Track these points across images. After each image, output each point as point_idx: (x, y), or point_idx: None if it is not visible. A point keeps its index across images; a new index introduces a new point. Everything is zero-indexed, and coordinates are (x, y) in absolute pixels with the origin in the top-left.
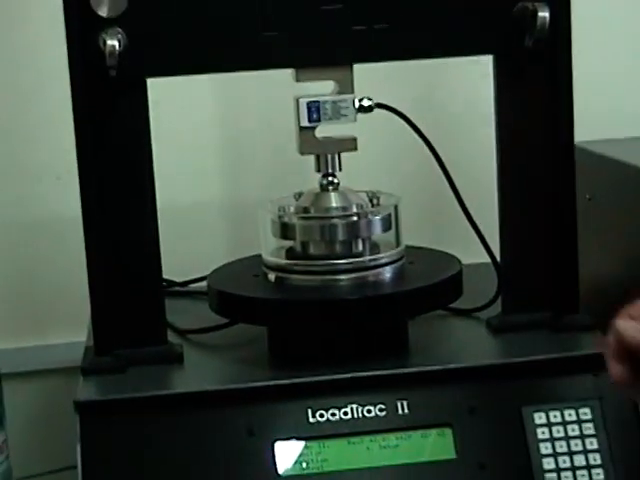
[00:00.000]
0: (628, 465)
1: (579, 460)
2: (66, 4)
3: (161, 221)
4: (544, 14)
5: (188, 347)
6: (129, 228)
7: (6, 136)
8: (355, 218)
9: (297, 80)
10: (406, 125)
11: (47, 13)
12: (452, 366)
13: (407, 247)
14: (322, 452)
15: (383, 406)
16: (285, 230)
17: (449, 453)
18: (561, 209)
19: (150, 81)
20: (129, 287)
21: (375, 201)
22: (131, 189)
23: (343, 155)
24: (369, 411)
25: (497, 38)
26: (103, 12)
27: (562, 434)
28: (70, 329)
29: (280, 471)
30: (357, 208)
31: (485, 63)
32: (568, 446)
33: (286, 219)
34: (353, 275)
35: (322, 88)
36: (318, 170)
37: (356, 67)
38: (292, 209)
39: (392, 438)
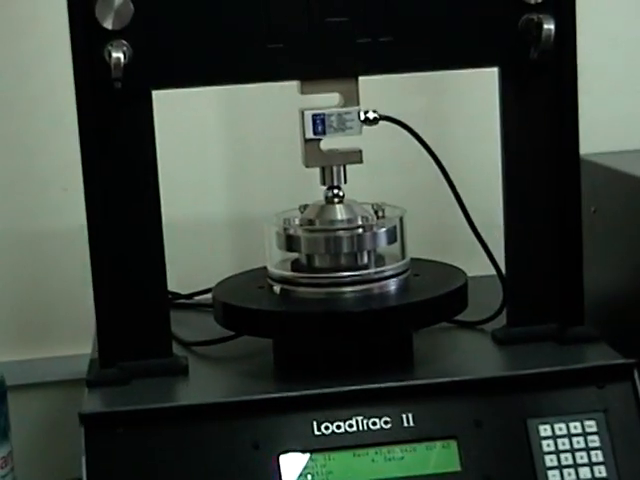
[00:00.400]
0: (633, 478)
1: (584, 472)
2: (72, 16)
3: (166, 233)
4: (549, 26)
5: (193, 359)
6: (134, 240)
7: (13, 147)
8: (360, 230)
9: (302, 92)
10: (411, 137)
11: (53, 25)
12: (457, 378)
13: (412, 259)
14: (327, 464)
15: (388, 418)
16: (290, 242)
17: (454, 465)
18: (566, 221)
19: (155, 93)
20: (134, 299)
21: (380, 213)
22: (136, 201)
23: (348, 167)
24: (374, 423)
25: (502, 50)
26: (108, 24)
27: (567, 446)
28: (75, 341)
29: None
30: (362, 220)
31: (491, 76)
32: (573, 458)
33: (291, 231)
34: (358, 287)
35: (327, 100)
36: (323, 182)
37: (361, 79)
38: (297, 221)
39: (397, 450)
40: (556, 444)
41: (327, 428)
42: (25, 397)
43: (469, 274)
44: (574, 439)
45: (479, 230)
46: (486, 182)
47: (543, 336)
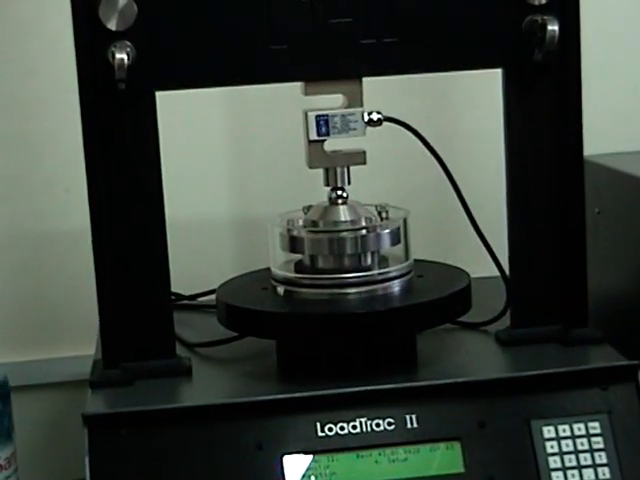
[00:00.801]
0: (637, 479)
1: (588, 474)
2: (75, 17)
3: (170, 234)
4: (553, 28)
5: (196, 360)
6: (138, 241)
7: (15, 149)
8: (364, 232)
9: (306, 94)
10: (415, 138)
11: (56, 26)
12: (461, 380)
13: (416, 261)
14: (331, 466)
15: (392, 420)
16: (294, 244)
17: (458, 467)
18: (570, 222)
19: (159, 94)
20: (138, 300)
21: (384, 215)
22: (140, 202)
23: (352, 169)
24: (378, 425)
25: (506, 51)
26: (112, 25)
27: (571, 448)
28: (79, 342)
29: None
30: (366, 222)
31: (495, 77)
32: (577, 460)
33: (295, 233)
34: (362, 289)
35: (331, 102)
36: (327, 184)
37: (365, 80)
38: (301, 223)
39: (401, 452)
40: (560, 445)
41: (331, 429)
42: (29, 398)
43: (473, 275)
44: (578, 440)
45: (482, 231)
46: (489, 183)
47: (546, 337)
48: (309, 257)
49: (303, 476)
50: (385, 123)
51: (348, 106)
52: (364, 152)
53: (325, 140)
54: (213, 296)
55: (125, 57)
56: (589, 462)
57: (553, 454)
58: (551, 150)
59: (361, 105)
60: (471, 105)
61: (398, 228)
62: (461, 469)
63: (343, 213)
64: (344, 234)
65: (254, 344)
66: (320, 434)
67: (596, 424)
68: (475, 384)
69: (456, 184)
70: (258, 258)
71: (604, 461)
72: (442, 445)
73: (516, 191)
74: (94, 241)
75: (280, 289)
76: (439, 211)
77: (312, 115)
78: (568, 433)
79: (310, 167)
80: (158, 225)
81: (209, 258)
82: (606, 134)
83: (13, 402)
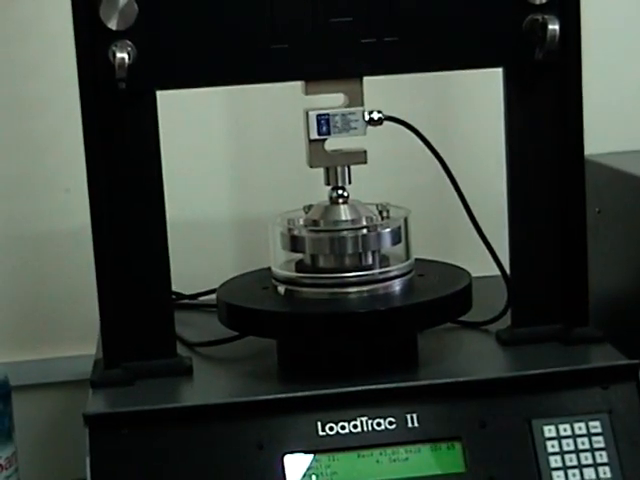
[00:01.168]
0: (638, 478)
1: (589, 473)
2: (76, 17)
3: (170, 233)
4: (554, 27)
5: (197, 360)
6: (139, 240)
7: (15, 148)
8: (365, 231)
9: (306, 93)
10: (416, 137)
11: (57, 25)
12: (462, 379)
13: (417, 260)
14: (332, 465)
15: (393, 419)
16: (294, 243)
17: (459, 467)
18: (570, 222)
19: (159, 93)
20: (138, 300)
21: (385, 214)
22: (141, 201)
23: (353, 168)
24: (379, 424)
25: (507, 51)
26: (113, 25)
27: (572, 447)
28: (79, 342)
29: None
30: (367, 221)
31: (495, 76)
32: (578, 459)
33: (296, 232)
34: (363, 288)
35: (332, 101)
36: (328, 183)
37: (366, 80)
38: (302, 222)
39: (402, 451)
40: (560, 445)
41: (331, 429)
42: (29, 398)
43: (473, 275)
44: (578, 440)
45: (483, 230)
46: (490, 182)
47: (547, 337)
48: (310, 256)
49: (304, 476)
50: (386, 122)
51: (349, 105)
52: (365, 151)
53: (326, 139)
54: (214, 295)
55: (126, 56)
56: (590, 461)
57: (554, 453)
58: (551, 150)
59: (362, 104)
60: (471, 105)
61: (399, 227)
62: (462, 468)
63: (344, 212)
64: (345, 233)
65: (255, 343)
66: (321, 433)
67: (597, 423)
68: (476, 383)
69: (457, 183)
70: (259, 257)
71: (605, 460)
72: (443, 445)
73: (517, 190)
74: (94, 240)
75: (281, 288)
76: (440, 210)
77: (313, 114)
78: (569, 432)
79: (311, 166)
80: (159, 224)
81: (210, 257)
82: (606, 134)
83: (13, 402)
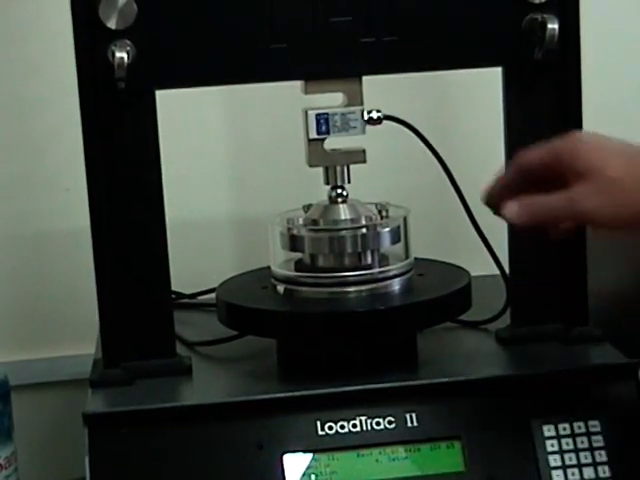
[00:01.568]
0: (638, 478)
1: (588, 473)
2: (75, 16)
3: (170, 233)
4: (553, 26)
5: (197, 359)
6: (138, 240)
7: (15, 148)
8: (364, 230)
9: (306, 92)
10: (415, 137)
11: (56, 26)
12: (461, 378)
13: (416, 259)
14: (331, 464)
15: (392, 418)
16: (294, 242)
17: (458, 466)
18: None
19: (159, 93)
20: (138, 299)
21: (384, 213)
22: (140, 201)
23: (352, 167)
24: (378, 423)
25: (506, 50)
26: (112, 24)
27: (571, 446)
28: (79, 341)
29: None
30: (366, 220)
31: (495, 75)
32: (577, 458)
33: (295, 231)
34: (362, 287)
35: (331, 100)
36: (327, 182)
37: (365, 79)
38: (301, 221)
39: (401, 451)
40: (560, 444)
41: (331, 428)
42: (29, 397)
43: (473, 274)
44: (578, 439)
45: (482, 230)
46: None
47: (547, 336)
48: (309, 256)
49: (303, 475)
50: (385, 122)
51: (348, 105)
52: (364, 151)
53: (325, 139)
54: (213, 295)
55: (125, 56)
56: (589, 460)
57: (553, 452)
58: None
59: (361, 104)
60: (471, 105)
61: (398, 226)
62: (461, 468)
63: (343, 212)
64: (344, 232)
65: (254, 343)
66: (320, 433)
67: (596, 422)
68: (475, 383)
69: (456, 183)
70: (258, 257)
71: (604, 459)
72: (442, 444)
73: None
74: (94, 240)
75: (280, 288)
76: (439, 210)
77: (312, 114)
78: (568, 431)
79: (310, 166)
80: (158, 224)
81: (209, 257)
82: (606, 132)
83: (13, 402)
